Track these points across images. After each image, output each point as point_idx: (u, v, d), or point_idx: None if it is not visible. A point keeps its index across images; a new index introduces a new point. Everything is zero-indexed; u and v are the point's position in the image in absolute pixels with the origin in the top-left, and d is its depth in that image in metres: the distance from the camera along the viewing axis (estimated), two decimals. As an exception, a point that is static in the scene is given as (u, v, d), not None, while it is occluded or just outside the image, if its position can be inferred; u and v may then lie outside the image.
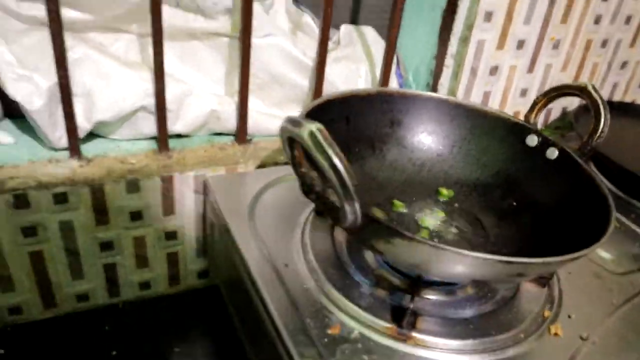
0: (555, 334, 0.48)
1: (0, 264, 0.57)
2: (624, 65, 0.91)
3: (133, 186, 0.59)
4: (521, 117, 0.60)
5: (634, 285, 0.55)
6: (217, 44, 0.67)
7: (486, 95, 0.78)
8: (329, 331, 0.44)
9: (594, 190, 0.49)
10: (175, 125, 0.64)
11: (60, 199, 0.56)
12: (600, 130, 0.53)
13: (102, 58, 0.59)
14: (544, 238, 0.51)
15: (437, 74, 0.77)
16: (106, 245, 0.61)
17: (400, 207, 0.57)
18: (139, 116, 0.62)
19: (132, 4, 0.59)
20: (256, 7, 0.63)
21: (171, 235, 0.65)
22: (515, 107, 0.83)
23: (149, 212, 0.62)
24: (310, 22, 0.76)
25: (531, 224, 0.54)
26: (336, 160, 0.33)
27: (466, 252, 0.36)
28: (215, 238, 0.62)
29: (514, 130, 0.59)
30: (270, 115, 0.71)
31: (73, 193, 0.56)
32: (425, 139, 0.62)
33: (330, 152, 0.33)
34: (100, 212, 0.59)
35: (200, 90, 0.66)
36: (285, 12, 0.73)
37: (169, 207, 0.63)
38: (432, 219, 0.56)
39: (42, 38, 0.56)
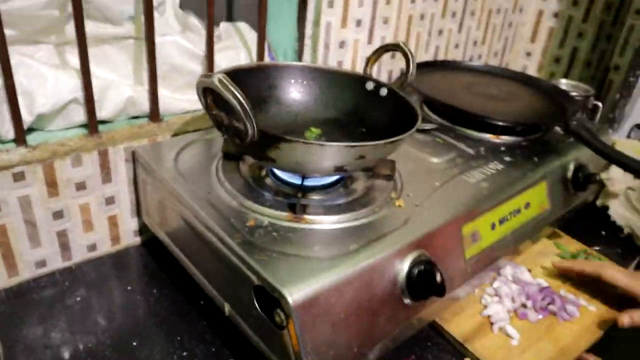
0: (399, 206, 0.71)
1: (-28, 237, 0.69)
2: (440, 32, 1.19)
3: (77, 160, 0.74)
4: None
5: (451, 173, 0.81)
6: (125, 45, 0.84)
7: (339, 63, 1.02)
8: (248, 224, 0.64)
9: (409, 109, 0.73)
10: (100, 113, 0.80)
11: (19, 177, 0.70)
12: (410, 72, 0.77)
13: (35, 63, 0.74)
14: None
15: (300, 51, 0.99)
16: (58, 214, 0.76)
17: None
18: (70, 108, 0.77)
19: (50, 19, 0.74)
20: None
21: (110, 201, 0.81)
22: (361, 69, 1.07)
23: (91, 182, 0.77)
24: (196, 22, 0.95)
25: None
26: (238, 94, 0.53)
27: (327, 143, 0.58)
28: (147, 194, 0.79)
29: (357, 80, 0.82)
30: (174, 98, 0.89)
31: (29, 171, 0.70)
32: (295, 95, 0.83)
33: (233, 89, 0.53)
34: (51, 185, 0.73)
35: (117, 81, 0.82)
36: (174, 16, 0.91)
37: (106, 176, 0.78)
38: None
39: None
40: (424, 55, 1.19)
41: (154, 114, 0.85)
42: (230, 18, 1.04)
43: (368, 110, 0.81)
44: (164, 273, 0.82)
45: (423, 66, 1.12)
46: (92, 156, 0.76)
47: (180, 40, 0.86)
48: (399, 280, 0.65)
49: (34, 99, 0.73)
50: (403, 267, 0.65)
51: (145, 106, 0.84)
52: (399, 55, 0.86)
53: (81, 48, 0.72)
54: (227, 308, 0.65)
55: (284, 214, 0.66)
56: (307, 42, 0.98)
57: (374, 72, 1.06)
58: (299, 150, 0.60)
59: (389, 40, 1.08)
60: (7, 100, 0.69)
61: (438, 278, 0.63)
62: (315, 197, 0.70)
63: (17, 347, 0.67)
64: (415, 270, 0.65)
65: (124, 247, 0.86)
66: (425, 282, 0.64)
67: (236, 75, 0.75)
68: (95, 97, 0.78)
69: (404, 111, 0.74)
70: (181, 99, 0.90)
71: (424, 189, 0.75)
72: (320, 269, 0.58)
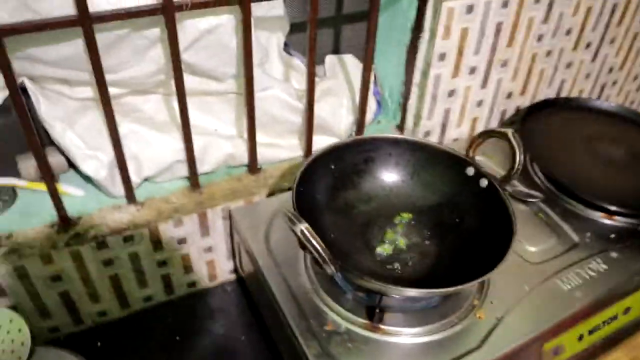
0: (479, 317, 0.70)
1: (91, 286, 0.79)
2: (569, 65, 1.07)
3: (178, 222, 0.80)
4: (478, 125, 0.79)
5: (544, 273, 0.76)
6: (227, 98, 0.86)
7: (446, 111, 0.96)
8: (326, 327, 0.67)
9: (506, 217, 0.69)
10: (202, 168, 0.84)
11: (128, 239, 0.77)
12: (515, 169, 0.72)
13: (143, 129, 0.79)
14: (475, 248, 0.72)
15: (406, 96, 0.95)
16: (162, 263, 0.84)
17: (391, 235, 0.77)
18: (174, 166, 0.82)
19: (156, 70, 0.77)
20: (255, 68, 0.81)
21: (208, 249, 0.87)
22: (473, 114, 1.01)
23: (191, 237, 0.83)
24: (300, 64, 0.94)
25: (468, 235, 0.75)
26: (318, 248, 0.54)
27: (404, 289, 0.58)
28: (241, 253, 0.84)
29: (457, 162, 0.78)
30: (273, 145, 0.91)
31: (136, 234, 0.78)
32: (392, 170, 0.81)
33: (314, 243, 0.54)
34: (156, 242, 0.80)
35: (218, 138, 0.85)
36: (278, 61, 0.90)
37: (205, 231, 0.84)
38: (397, 236, 0.76)
39: (95, 117, 0.75)
40: (545, 91, 1.08)
41: (252, 164, 0.88)
42: (336, 49, 1.01)
43: (464, 198, 0.78)
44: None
45: (540, 107, 1.02)
46: (192, 217, 0.81)
47: (279, 94, 0.86)
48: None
49: (141, 164, 0.79)
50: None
51: (244, 158, 0.87)
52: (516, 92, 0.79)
53: (181, 103, 0.74)
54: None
55: (362, 320, 0.68)
56: (414, 89, 0.93)
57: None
58: (376, 288, 0.60)
59: (507, 80, 0.99)
60: (119, 168, 0.75)
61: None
62: (394, 303, 0.70)
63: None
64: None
65: (220, 283, 0.93)
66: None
67: (332, 152, 0.75)
68: (198, 155, 0.82)
69: (501, 216, 0.71)
70: (278, 144, 0.91)
71: (510, 295, 0.73)
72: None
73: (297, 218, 0.56)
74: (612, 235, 0.84)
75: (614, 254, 0.81)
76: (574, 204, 0.88)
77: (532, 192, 0.89)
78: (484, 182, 0.75)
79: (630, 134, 1.01)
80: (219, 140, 0.86)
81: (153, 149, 0.79)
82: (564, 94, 1.11)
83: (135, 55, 0.72)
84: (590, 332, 0.76)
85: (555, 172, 0.90)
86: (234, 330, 0.86)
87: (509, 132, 0.73)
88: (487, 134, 0.76)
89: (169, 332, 0.85)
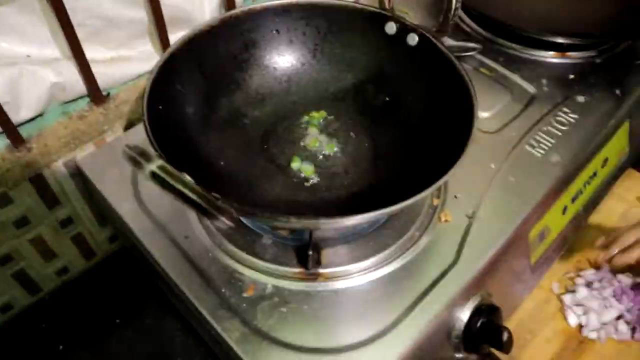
0: (446, 221, 0.52)
1: None
2: None
3: (4, 200, 0.55)
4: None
5: (508, 141, 0.59)
6: (31, 7, 0.57)
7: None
8: (245, 294, 0.47)
9: (456, 79, 0.50)
10: (19, 115, 0.57)
11: None
12: (453, 11, 0.52)
13: None
14: (419, 133, 0.53)
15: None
16: (5, 259, 0.59)
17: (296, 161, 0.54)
18: (-29, 120, 0.55)
19: None
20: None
21: (67, 222, 0.63)
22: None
23: (33, 213, 0.58)
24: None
25: (406, 117, 0.55)
26: (189, 194, 0.32)
27: (323, 220, 0.38)
28: (108, 215, 0.60)
29: (372, 19, 0.56)
30: (117, 59, 0.64)
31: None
32: (285, 51, 0.58)
33: (179, 187, 0.32)
34: (-27, 237, 0.55)
35: (31, 65, 0.57)
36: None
37: (51, 199, 0.59)
38: (314, 146, 0.55)
39: None
40: None
41: (95, 92, 0.61)
42: None
43: (390, 67, 0.57)
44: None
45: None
46: (24, 188, 0.56)
47: (106, -19, 0.58)
48: (453, 335, 0.50)
49: None
50: (459, 319, 0.49)
51: (79, 86, 0.61)
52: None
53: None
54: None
55: (292, 270, 0.48)
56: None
57: None
58: (298, 224, 0.40)
59: None
60: None
61: (505, 337, 0.48)
62: (331, 233, 0.51)
63: None
64: (476, 323, 0.49)
65: (102, 257, 0.70)
66: (487, 337, 0.49)
67: (192, 48, 0.51)
68: (6, 97, 0.55)
69: (445, 80, 0.51)
70: (126, 56, 0.65)
71: (476, 180, 0.55)
72: (352, 375, 0.42)
73: (141, 154, 0.33)
74: (571, 76, 0.68)
75: (580, 98, 0.65)
76: (519, 48, 0.71)
77: (467, 44, 0.70)
78: (413, 39, 0.54)
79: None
80: (34, 68, 0.58)
81: None
82: None
83: None
84: (573, 200, 0.61)
85: (489, 11, 0.70)
86: (139, 321, 0.64)
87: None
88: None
89: (47, 345, 0.62)
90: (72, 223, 0.63)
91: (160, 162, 0.32)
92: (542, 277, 0.63)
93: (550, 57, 0.69)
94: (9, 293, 0.62)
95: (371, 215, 0.39)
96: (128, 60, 0.65)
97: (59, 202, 0.61)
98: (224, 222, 0.36)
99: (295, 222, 0.38)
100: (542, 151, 0.58)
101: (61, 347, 0.62)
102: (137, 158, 0.33)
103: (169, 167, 0.32)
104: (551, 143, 0.59)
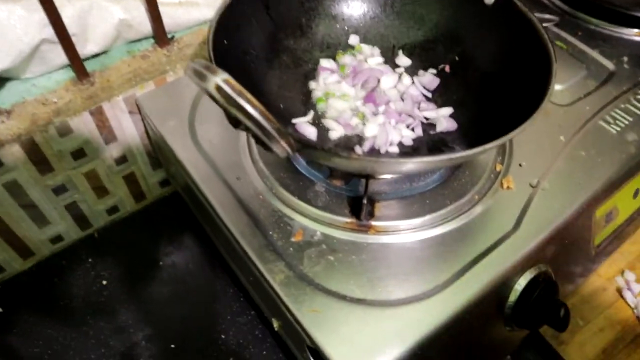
0: (508, 187, 0.49)
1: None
2: None
3: (64, 129, 0.56)
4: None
5: (581, 115, 0.56)
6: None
7: None
8: (293, 239, 0.46)
9: (534, 40, 0.47)
10: (86, 48, 0.58)
11: (-5, 164, 0.53)
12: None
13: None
14: (489, 95, 0.50)
15: None
16: (60, 189, 0.60)
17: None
18: (43, 49, 0.56)
19: None
20: None
21: (121, 160, 0.63)
22: None
23: (90, 147, 0.59)
24: None
25: (476, 76, 0.53)
26: (251, 111, 0.31)
27: (385, 159, 0.36)
28: (163, 154, 0.61)
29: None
30: (185, 3, 0.64)
31: (4, 155, 0.53)
32: (354, 2, 0.56)
33: (242, 103, 0.31)
34: (40, 162, 0.56)
35: (101, 1, 0.58)
36: None
37: (109, 135, 0.60)
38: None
39: None
40: None
41: (160, 34, 0.62)
42: None
43: (463, 26, 0.54)
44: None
45: None
46: (82, 118, 0.56)
47: None
48: (507, 306, 0.47)
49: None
50: (513, 290, 0.46)
51: (145, 26, 0.61)
52: None
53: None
54: (276, 324, 0.51)
55: (344, 219, 0.46)
56: None
57: None
58: (360, 164, 0.38)
59: None
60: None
61: (562, 312, 0.45)
62: (386, 187, 0.49)
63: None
64: (532, 295, 0.46)
65: (152, 200, 0.71)
66: (542, 311, 0.46)
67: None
68: (75, 29, 0.56)
69: (522, 42, 0.48)
70: (195, 1, 0.65)
71: (544, 151, 0.52)
72: (397, 329, 0.41)
73: (208, 68, 0.32)
74: (656, 54, 0.63)
75: (664, 76, 0.60)
76: (600, 23, 0.66)
77: (543, 15, 0.66)
78: (489, -2, 0.52)
79: None
80: (104, 3, 0.59)
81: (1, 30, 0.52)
82: None
83: None
84: (647, 184, 0.57)
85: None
86: (181, 265, 0.64)
87: None
88: None
89: (91, 279, 0.63)
90: (126, 161, 0.64)
91: (225, 75, 0.31)
92: (602, 264, 0.59)
93: (634, 34, 0.65)
94: (61, 224, 0.64)
95: (430, 159, 0.37)
96: (196, 5, 0.65)
97: (115, 138, 0.61)
98: (281, 151, 0.35)
99: (356, 159, 0.36)
100: (617, 128, 0.54)
101: (104, 282, 0.63)
102: (202, 71, 0.32)
103: (233, 81, 0.31)
104: (628, 121, 0.55)
